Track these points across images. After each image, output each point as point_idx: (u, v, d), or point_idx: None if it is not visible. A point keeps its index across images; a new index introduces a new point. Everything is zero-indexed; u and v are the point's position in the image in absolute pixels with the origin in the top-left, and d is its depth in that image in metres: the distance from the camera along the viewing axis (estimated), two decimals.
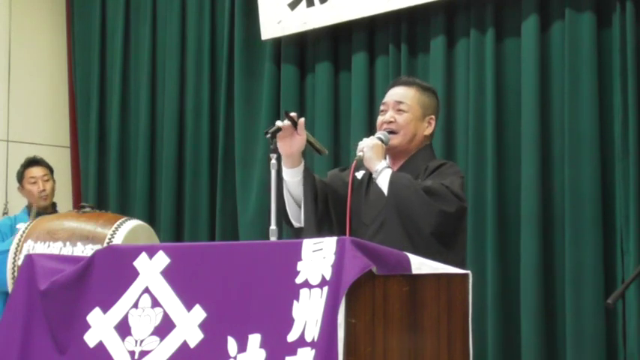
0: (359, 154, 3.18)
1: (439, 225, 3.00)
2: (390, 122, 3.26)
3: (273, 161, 3.16)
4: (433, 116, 3.32)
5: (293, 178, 3.24)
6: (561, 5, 4.11)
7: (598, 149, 3.96)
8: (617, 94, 3.93)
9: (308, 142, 3.26)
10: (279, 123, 3.14)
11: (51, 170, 5.19)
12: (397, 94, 3.30)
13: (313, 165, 4.81)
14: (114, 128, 5.77)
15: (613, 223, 3.94)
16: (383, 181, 3.12)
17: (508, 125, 4.25)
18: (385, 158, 3.19)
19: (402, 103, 3.27)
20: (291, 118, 3.15)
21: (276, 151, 3.17)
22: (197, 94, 5.44)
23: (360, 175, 3.31)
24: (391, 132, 3.26)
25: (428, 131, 3.31)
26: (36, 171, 5.08)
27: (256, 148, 5.10)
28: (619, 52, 3.91)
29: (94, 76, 5.89)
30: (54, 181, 5.18)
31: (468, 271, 2.83)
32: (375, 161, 3.15)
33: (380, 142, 3.20)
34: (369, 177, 3.21)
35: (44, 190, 5.05)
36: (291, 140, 3.17)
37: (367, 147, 3.17)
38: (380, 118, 3.31)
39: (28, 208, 5.16)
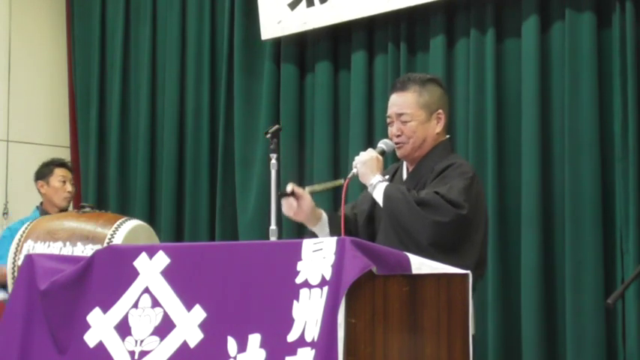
0: (353, 170, 3.19)
1: (436, 235, 2.98)
2: (399, 135, 3.24)
3: (273, 161, 3.17)
4: (440, 110, 3.25)
5: (322, 233, 3.26)
6: (561, 5, 4.11)
7: (598, 149, 3.96)
8: (617, 94, 3.93)
9: (317, 192, 3.31)
10: (289, 205, 3.19)
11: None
12: (396, 104, 3.26)
13: (313, 166, 4.81)
14: (114, 128, 5.77)
15: (613, 223, 3.93)
16: (378, 196, 3.12)
17: (508, 125, 4.25)
18: (380, 172, 3.18)
19: (403, 114, 3.22)
20: (287, 194, 3.19)
21: (276, 151, 3.18)
22: (197, 94, 5.44)
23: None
24: (399, 143, 3.24)
25: (439, 128, 3.25)
26: (66, 172, 5.10)
27: (256, 148, 5.10)
28: (619, 53, 3.91)
29: (94, 76, 5.89)
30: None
31: (468, 271, 2.83)
32: (370, 176, 3.15)
33: (374, 156, 3.19)
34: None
35: (70, 192, 5.06)
36: (300, 206, 3.19)
37: (360, 163, 3.18)
38: (389, 130, 3.29)
39: (41, 208, 5.11)
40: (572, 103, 4.01)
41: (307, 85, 5.00)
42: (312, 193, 3.26)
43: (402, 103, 3.24)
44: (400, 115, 3.22)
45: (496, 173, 4.20)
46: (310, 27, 4.81)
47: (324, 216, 3.27)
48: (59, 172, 5.07)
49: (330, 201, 4.30)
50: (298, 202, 3.18)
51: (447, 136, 3.31)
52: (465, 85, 4.36)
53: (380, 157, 3.20)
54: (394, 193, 3.08)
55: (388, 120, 3.29)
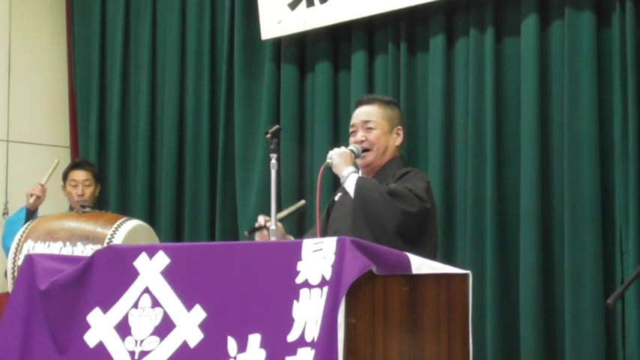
0: (328, 161, 3.36)
1: (402, 224, 3.17)
2: (362, 142, 3.47)
3: (274, 161, 3.18)
4: (400, 126, 3.55)
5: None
6: (561, 4, 4.11)
7: (597, 149, 3.96)
8: (617, 94, 3.93)
9: (284, 218, 3.51)
10: (259, 238, 3.40)
11: (95, 175, 5.14)
12: (362, 113, 3.52)
13: (313, 166, 4.81)
14: (114, 128, 5.77)
15: (612, 223, 3.93)
16: (350, 185, 3.29)
17: (507, 125, 4.25)
18: (353, 165, 3.38)
19: (369, 122, 3.49)
20: (258, 229, 3.39)
21: (276, 151, 3.20)
22: (197, 94, 5.43)
23: (337, 197, 3.53)
24: (365, 150, 3.46)
25: (398, 141, 3.54)
26: (78, 174, 5.06)
27: (256, 148, 5.09)
28: (619, 52, 3.90)
29: (94, 76, 5.89)
30: (97, 186, 5.13)
31: (468, 271, 2.84)
32: (343, 167, 3.35)
33: (348, 151, 3.40)
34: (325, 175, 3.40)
35: (82, 195, 5.02)
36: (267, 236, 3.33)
37: (335, 154, 3.37)
38: (351, 139, 3.51)
39: (71, 209, 5.10)
40: (571, 102, 4.01)
41: (307, 85, 5.00)
42: (282, 220, 3.48)
43: (369, 112, 3.52)
44: (366, 122, 3.49)
45: (495, 173, 4.19)
46: (310, 27, 4.81)
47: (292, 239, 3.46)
48: (71, 177, 5.07)
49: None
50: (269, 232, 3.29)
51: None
52: (465, 85, 4.37)
53: (353, 154, 3.41)
54: (366, 183, 3.29)
55: (351, 129, 3.54)
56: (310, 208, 4.82)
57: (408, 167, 3.56)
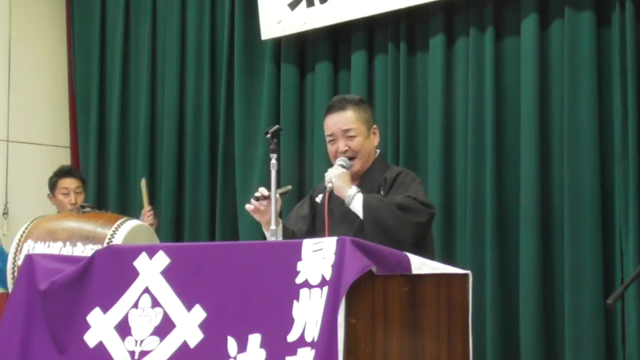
0: (328, 185, 3.33)
1: (417, 235, 3.22)
2: (345, 151, 3.44)
3: (274, 161, 3.19)
4: (375, 125, 3.52)
5: (277, 237, 3.36)
6: (561, 4, 4.11)
7: (597, 149, 3.96)
8: (617, 94, 3.93)
9: (282, 195, 3.43)
10: (259, 206, 3.32)
11: (84, 182, 5.16)
12: (340, 121, 3.46)
13: (313, 166, 4.81)
14: (114, 128, 5.77)
15: (612, 223, 3.93)
16: (357, 206, 3.27)
17: (507, 124, 4.25)
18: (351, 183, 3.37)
19: (349, 130, 3.44)
20: (263, 197, 3.32)
21: (276, 151, 3.20)
22: (197, 94, 5.44)
23: (319, 199, 3.51)
24: (350, 158, 3.43)
25: (376, 141, 3.52)
26: (69, 182, 5.05)
27: (256, 148, 5.10)
28: (618, 51, 3.91)
29: (94, 76, 5.89)
30: (85, 193, 5.14)
31: (468, 271, 2.84)
32: (346, 188, 3.31)
33: (344, 170, 3.36)
34: (329, 197, 3.37)
35: (75, 204, 5.01)
36: (268, 208, 3.29)
37: (335, 177, 3.33)
38: (332, 148, 3.47)
39: None
40: (571, 102, 4.01)
41: (307, 85, 5.00)
42: (282, 196, 3.43)
43: (345, 120, 3.45)
44: (346, 131, 3.44)
45: (495, 172, 4.19)
46: (310, 27, 4.81)
47: (281, 224, 3.39)
48: (61, 185, 5.05)
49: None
50: (268, 204, 3.29)
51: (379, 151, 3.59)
52: (464, 84, 4.36)
53: (347, 171, 3.38)
54: (374, 201, 3.26)
55: (330, 139, 3.48)
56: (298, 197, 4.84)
57: (393, 167, 3.57)
